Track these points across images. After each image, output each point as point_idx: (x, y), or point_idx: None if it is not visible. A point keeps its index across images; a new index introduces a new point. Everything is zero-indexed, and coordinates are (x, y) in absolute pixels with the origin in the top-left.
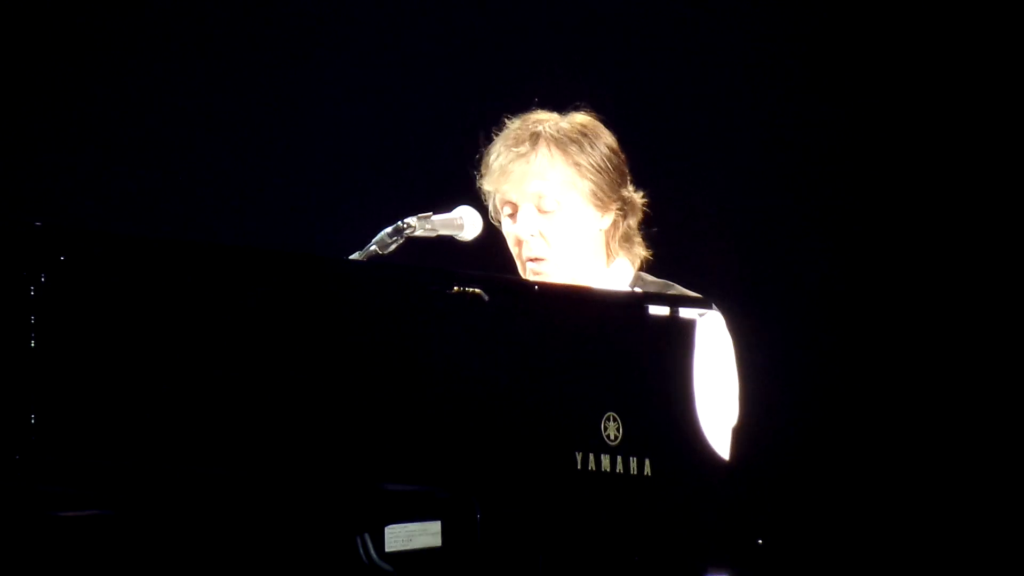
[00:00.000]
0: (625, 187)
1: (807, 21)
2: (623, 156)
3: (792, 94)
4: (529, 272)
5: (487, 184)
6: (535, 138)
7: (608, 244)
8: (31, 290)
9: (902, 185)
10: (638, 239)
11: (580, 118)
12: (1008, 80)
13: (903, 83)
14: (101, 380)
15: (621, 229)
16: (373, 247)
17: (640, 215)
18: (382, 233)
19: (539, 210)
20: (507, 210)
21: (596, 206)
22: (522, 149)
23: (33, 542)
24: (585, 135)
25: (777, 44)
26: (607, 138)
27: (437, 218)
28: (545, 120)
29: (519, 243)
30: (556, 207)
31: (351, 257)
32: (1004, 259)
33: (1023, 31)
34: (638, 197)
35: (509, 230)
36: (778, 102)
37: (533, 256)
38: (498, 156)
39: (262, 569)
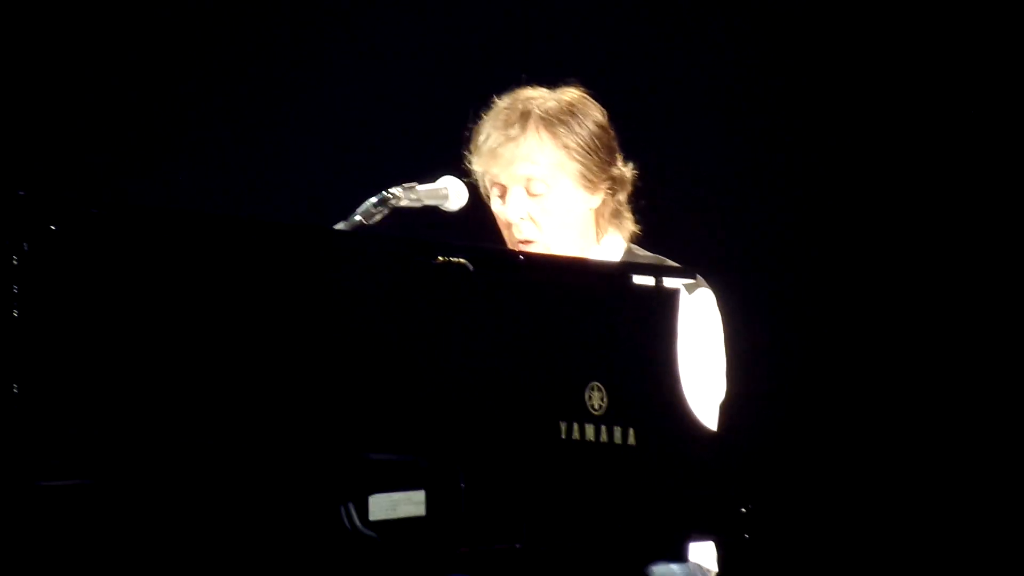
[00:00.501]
0: (614, 164)
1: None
2: (612, 132)
3: (788, 68)
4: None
5: (477, 164)
6: (524, 119)
7: (598, 222)
8: (13, 259)
9: (896, 164)
10: (627, 213)
11: (569, 95)
12: (1003, 76)
13: (893, 66)
14: (83, 350)
15: (610, 206)
16: (358, 217)
17: (630, 189)
18: (367, 203)
19: (528, 193)
20: (496, 192)
21: (585, 187)
22: (512, 131)
23: (16, 511)
24: (574, 114)
25: (768, 21)
26: (596, 115)
27: (422, 188)
28: (534, 99)
29: (509, 226)
30: (546, 190)
31: (336, 227)
32: (991, 244)
33: (1019, 31)
34: (628, 171)
35: (499, 212)
36: (773, 74)
37: (523, 239)
38: (487, 137)
39: (246, 538)
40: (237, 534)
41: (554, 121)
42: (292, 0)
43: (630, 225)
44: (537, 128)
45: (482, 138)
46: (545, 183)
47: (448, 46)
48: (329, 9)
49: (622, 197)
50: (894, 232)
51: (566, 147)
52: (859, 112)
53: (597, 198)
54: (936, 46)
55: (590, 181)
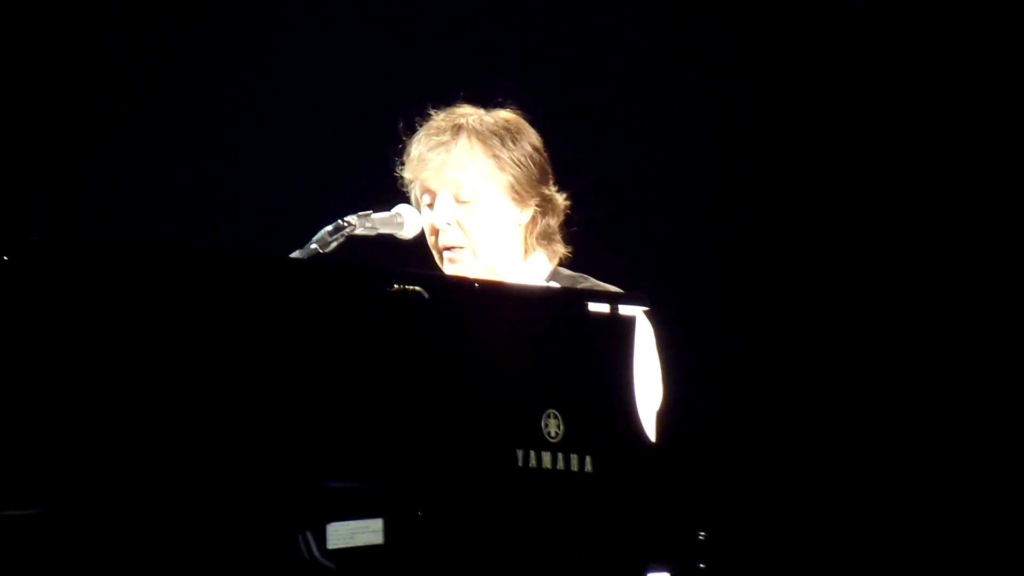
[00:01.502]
0: (546, 185)
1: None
2: (546, 155)
3: (715, 81)
4: (445, 261)
5: (407, 172)
6: (457, 129)
7: (526, 239)
8: None
9: (813, 161)
10: (557, 237)
11: (504, 114)
12: (994, 80)
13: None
14: (41, 378)
15: (540, 226)
16: (313, 245)
17: (562, 216)
18: (322, 231)
19: (456, 199)
20: (426, 199)
21: (514, 200)
22: (443, 138)
23: None
24: (508, 130)
25: (696, 33)
26: (530, 135)
27: (377, 216)
28: (469, 114)
29: (435, 232)
30: (474, 197)
31: (292, 255)
32: (964, 245)
33: (1019, 31)
34: (560, 198)
35: (426, 219)
36: (698, 93)
37: (448, 244)
38: (418, 144)
39: (203, 567)
40: (196, 564)
41: (487, 133)
42: (254, 27)
43: (560, 248)
44: (469, 137)
45: (413, 146)
46: (473, 190)
47: (402, 76)
48: (289, 35)
49: (553, 221)
50: (844, 231)
51: (496, 157)
52: (804, 113)
53: (526, 214)
54: (904, 60)
55: (519, 195)
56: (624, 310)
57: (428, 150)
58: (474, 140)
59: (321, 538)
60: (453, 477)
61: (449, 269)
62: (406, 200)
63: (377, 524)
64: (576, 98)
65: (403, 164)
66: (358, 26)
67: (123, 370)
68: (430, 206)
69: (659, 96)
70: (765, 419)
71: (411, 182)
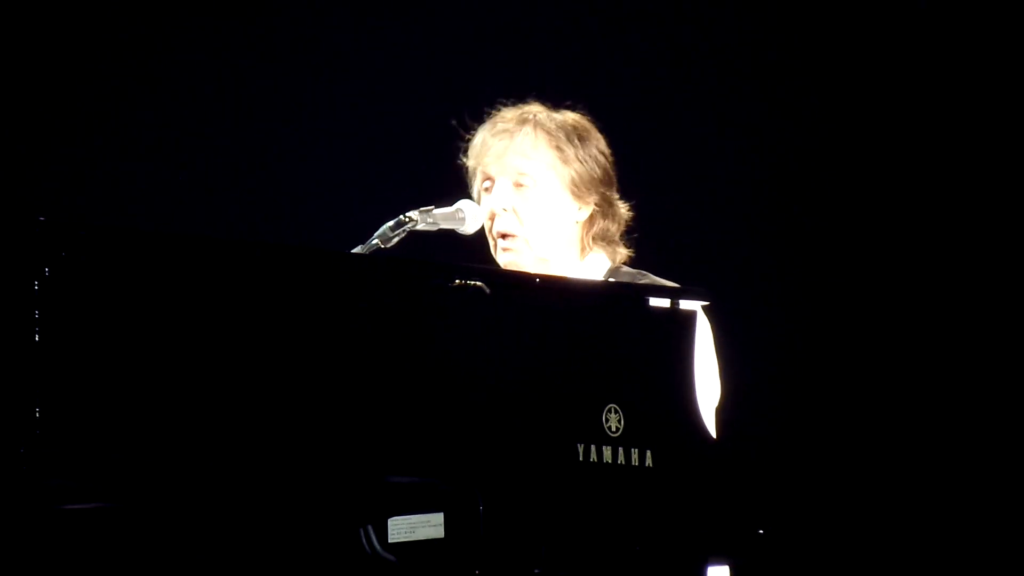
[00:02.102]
0: (609, 189)
1: (792, 19)
2: (612, 161)
3: (767, 92)
4: (499, 249)
5: (470, 160)
6: (523, 120)
7: (583, 238)
8: (35, 284)
9: (868, 167)
10: (617, 241)
11: (573, 115)
12: (1005, 81)
13: (888, 72)
14: (104, 374)
15: (598, 226)
16: (375, 241)
17: (623, 225)
18: (384, 227)
19: (515, 186)
20: (486, 184)
21: (574, 194)
22: (508, 126)
23: (37, 535)
24: (575, 128)
25: (755, 40)
26: (597, 139)
27: (438, 211)
28: (538, 110)
29: (492, 217)
30: (532, 184)
31: (353, 251)
32: (989, 248)
33: (1019, 32)
34: (623, 206)
35: (485, 204)
36: (753, 102)
37: (503, 231)
38: (483, 132)
39: (267, 561)
40: (259, 558)
41: (553, 127)
42: (316, 23)
43: (621, 250)
44: (534, 128)
45: (478, 135)
46: (532, 178)
47: (468, 71)
48: (353, 34)
49: (612, 226)
50: (888, 236)
51: (559, 150)
52: (843, 113)
53: (584, 211)
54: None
55: (579, 191)
56: (684, 305)
57: (492, 136)
58: (539, 131)
59: (382, 532)
60: (514, 472)
61: (502, 258)
62: (467, 196)
63: (438, 518)
64: (630, 98)
65: (466, 152)
66: (433, 20)
67: (190, 365)
68: (488, 191)
69: (713, 92)
70: (823, 414)
71: (473, 170)
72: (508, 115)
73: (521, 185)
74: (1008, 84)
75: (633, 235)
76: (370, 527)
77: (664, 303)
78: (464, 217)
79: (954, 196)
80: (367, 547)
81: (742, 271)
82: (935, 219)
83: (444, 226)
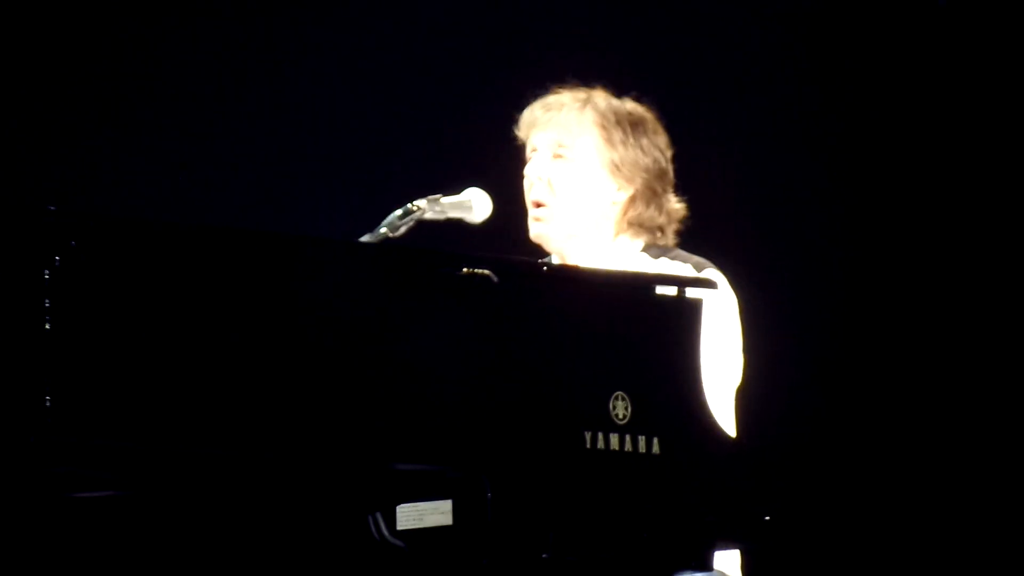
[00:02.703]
0: (657, 179)
1: (816, 17)
2: (668, 155)
3: (796, 86)
4: (531, 218)
5: (520, 132)
6: (576, 98)
7: (619, 221)
8: (46, 274)
9: (909, 166)
10: (653, 228)
11: (633, 104)
12: (1009, 79)
13: (911, 72)
14: (115, 363)
15: (637, 211)
16: (383, 229)
17: (675, 221)
18: (392, 215)
19: (554, 156)
20: (530, 154)
21: (613, 174)
22: (561, 100)
23: (49, 523)
24: (630, 115)
25: (781, 37)
26: (654, 130)
27: (446, 200)
28: (597, 94)
29: (529, 187)
30: (572, 156)
31: (362, 239)
32: (1009, 251)
33: (1020, 34)
34: (676, 203)
35: (525, 173)
36: (783, 93)
37: (536, 199)
38: (536, 106)
39: (276, 548)
40: (267, 544)
41: (606, 110)
42: (323, 10)
43: (656, 238)
44: (583, 105)
45: (530, 108)
46: (572, 150)
47: (475, 58)
48: (362, 21)
49: (657, 216)
50: (916, 233)
51: (604, 129)
52: (866, 127)
53: (623, 193)
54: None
55: (619, 172)
56: (693, 292)
57: (541, 108)
58: (588, 109)
59: (391, 519)
60: (521, 459)
61: (532, 228)
62: (476, 184)
63: (446, 505)
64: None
65: (518, 126)
66: (440, 7)
67: (196, 354)
68: (529, 160)
69: (736, 91)
70: (834, 402)
71: (523, 141)
72: (564, 92)
73: (560, 156)
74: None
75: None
76: (379, 514)
77: (672, 291)
78: (472, 206)
79: (973, 189)
80: (376, 534)
81: (768, 259)
82: (951, 214)
83: (452, 215)
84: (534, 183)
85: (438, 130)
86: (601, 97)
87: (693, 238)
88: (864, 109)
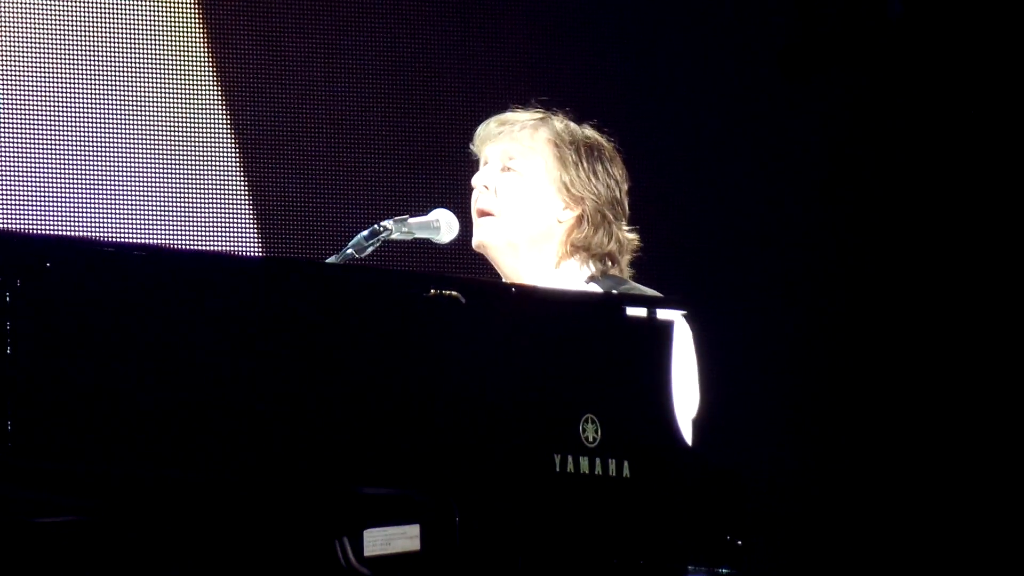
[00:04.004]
0: (608, 206)
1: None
2: (622, 187)
3: (761, 92)
4: (474, 226)
5: (475, 145)
6: (533, 117)
7: (563, 242)
8: (6, 296)
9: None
10: (598, 253)
11: (593, 132)
12: (1005, 83)
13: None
14: (77, 386)
15: (582, 233)
16: (349, 250)
17: (625, 251)
18: (358, 236)
19: (503, 169)
20: (482, 165)
21: (560, 192)
22: (517, 117)
23: (9, 548)
24: (587, 141)
25: (742, 48)
26: (610, 160)
27: (413, 220)
28: (556, 116)
29: (476, 195)
30: (519, 169)
31: (328, 260)
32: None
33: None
34: (628, 233)
35: (473, 182)
36: (744, 106)
37: (480, 207)
38: (492, 119)
39: (241, 573)
40: (232, 570)
41: (562, 132)
42: (291, 32)
43: (602, 266)
44: (540, 123)
45: (485, 123)
46: (521, 164)
47: (443, 80)
48: (330, 43)
49: (604, 241)
50: (893, 254)
51: (558, 148)
52: (830, 137)
53: (569, 213)
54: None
55: (567, 192)
56: (662, 314)
57: (496, 124)
58: (543, 128)
59: (358, 544)
60: (490, 482)
61: (474, 237)
62: (444, 206)
63: (414, 530)
64: (598, 102)
65: (473, 141)
66: (408, 30)
67: (160, 377)
68: (479, 170)
69: (676, 97)
70: (803, 423)
71: (477, 158)
72: (522, 111)
73: (509, 169)
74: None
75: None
76: (345, 539)
77: (642, 312)
78: (439, 226)
79: (956, 199)
80: (342, 560)
81: (725, 279)
82: (931, 224)
83: (419, 235)
84: (481, 193)
85: (405, 151)
86: (559, 119)
87: (664, 267)
88: (839, 132)
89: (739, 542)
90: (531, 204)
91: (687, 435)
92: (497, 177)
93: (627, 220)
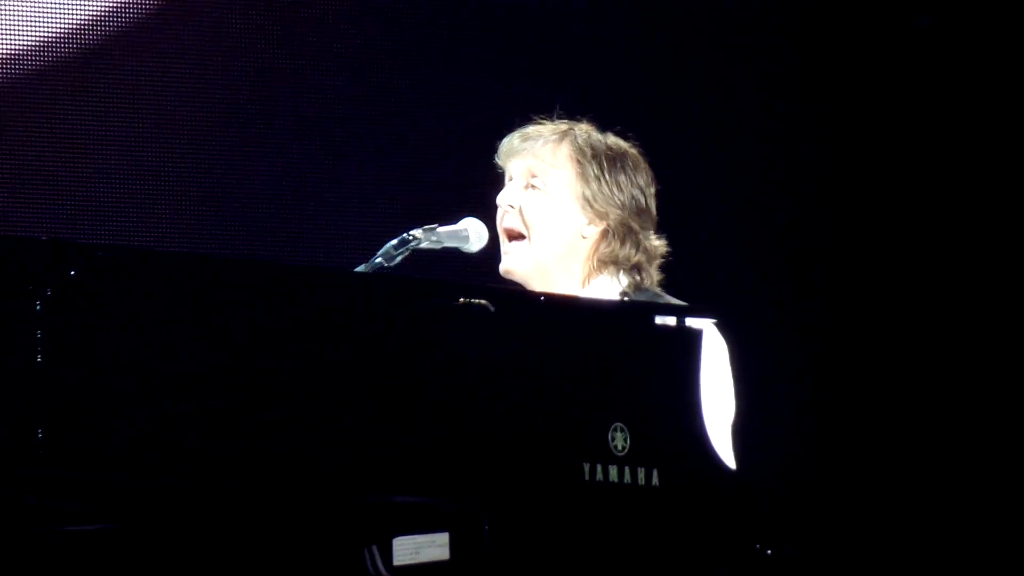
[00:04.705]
0: (634, 217)
1: (809, 30)
2: (649, 193)
3: (787, 103)
4: (502, 251)
5: (499, 159)
6: (555, 130)
7: (590, 257)
8: (37, 305)
9: (888, 186)
10: (627, 267)
11: (615, 139)
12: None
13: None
14: (107, 395)
15: (609, 248)
16: (379, 259)
17: (654, 258)
18: (388, 245)
19: (527, 186)
20: (507, 181)
21: (584, 208)
22: (540, 130)
23: (39, 557)
24: (609, 150)
25: (775, 51)
26: (634, 167)
27: (443, 230)
28: (581, 125)
29: (502, 214)
30: (543, 187)
31: (357, 269)
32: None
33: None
34: (657, 242)
35: (498, 200)
36: (772, 111)
37: (507, 227)
38: (515, 133)
39: None
40: None
41: (584, 144)
42: (319, 41)
43: (640, 276)
44: (562, 138)
45: (508, 137)
46: (544, 181)
47: (469, 87)
48: (356, 51)
49: (632, 254)
50: (908, 248)
51: (579, 164)
52: (854, 124)
53: (594, 228)
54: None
55: (591, 207)
56: (692, 323)
57: (519, 138)
58: (565, 142)
59: (387, 553)
60: (519, 491)
61: (502, 263)
62: (473, 215)
63: (443, 538)
64: (644, 111)
65: (497, 155)
66: (436, 36)
67: (190, 385)
68: (503, 188)
69: (705, 103)
70: (838, 431)
71: (502, 171)
72: (545, 123)
73: (533, 187)
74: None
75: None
76: (375, 548)
77: (671, 321)
78: (468, 235)
79: (984, 205)
80: (371, 568)
81: (758, 287)
82: (961, 230)
83: (448, 244)
84: (506, 211)
85: (436, 160)
86: (582, 130)
87: (691, 275)
88: (853, 123)
89: (768, 551)
90: (556, 222)
91: (717, 444)
92: (521, 195)
93: (655, 225)
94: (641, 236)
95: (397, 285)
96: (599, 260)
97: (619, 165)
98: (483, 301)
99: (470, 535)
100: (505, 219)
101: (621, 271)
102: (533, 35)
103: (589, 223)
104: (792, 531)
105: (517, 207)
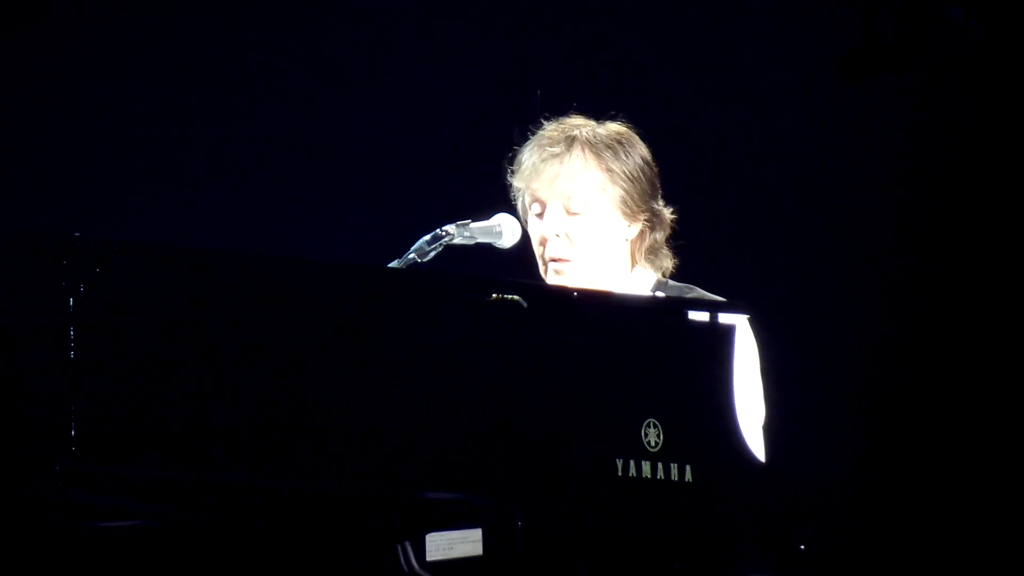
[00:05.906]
0: (655, 200)
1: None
2: (656, 169)
3: (819, 102)
4: (551, 272)
5: (517, 181)
6: (570, 140)
7: (633, 254)
8: (70, 301)
9: (922, 186)
10: (665, 252)
11: (616, 127)
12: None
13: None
14: (141, 390)
15: (647, 241)
16: (412, 255)
17: (668, 231)
18: (420, 241)
19: (567, 211)
20: (535, 208)
21: (624, 214)
22: (556, 149)
23: (73, 553)
24: (620, 143)
25: (804, 53)
26: (641, 149)
27: (475, 225)
28: (582, 125)
29: (543, 242)
30: (584, 209)
31: (390, 265)
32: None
33: None
34: (667, 212)
35: (535, 229)
36: (804, 110)
37: (556, 256)
38: (531, 154)
39: None
40: (296, 575)
41: (600, 145)
42: (353, 39)
43: (667, 263)
44: (583, 149)
45: (525, 155)
46: (584, 203)
47: (504, 85)
48: (390, 50)
49: (660, 235)
50: (942, 245)
51: (609, 171)
52: (883, 142)
53: (634, 229)
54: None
55: (630, 209)
56: (725, 318)
57: (541, 161)
58: (588, 152)
59: (420, 549)
60: (552, 487)
61: (553, 280)
62: (504, 209)
63: (476, 534)
64: (678, 106)
65: (513, 173)
66: (468, 33)
67: (224, 382)
68: (540, 216)
69: (738, 100)
70: (868, 429)
71: (521, 191)
72: (554, 134)
73: (573, 212)
74: None
75: (679, 242)
76: (407, 544)
77: (704, 317)
78: (501, 231)
79: (1013, 198)
80: (404, 564)
81: (790, 284)
82: (996, 226)
83: (481, 240)
84: (550, 240)
85: (468, 155)
86: (587, 129)
87: (723, 270)
88: (883, 118)
89: (802, 548)
90: (604, 239)
91: (750, 440)
92: (565, 223)
93: (661, 196)
94: (662, 215)
95: (430, 281)
96: (644, 252)
97: (631, 151)
98: (516, 297)
99: (503, 531)
100: (551, 248)
101: (657, 258)
102: (556, 28)
103: (630, 225)
104: (820, 529)
105: (563, 235)
